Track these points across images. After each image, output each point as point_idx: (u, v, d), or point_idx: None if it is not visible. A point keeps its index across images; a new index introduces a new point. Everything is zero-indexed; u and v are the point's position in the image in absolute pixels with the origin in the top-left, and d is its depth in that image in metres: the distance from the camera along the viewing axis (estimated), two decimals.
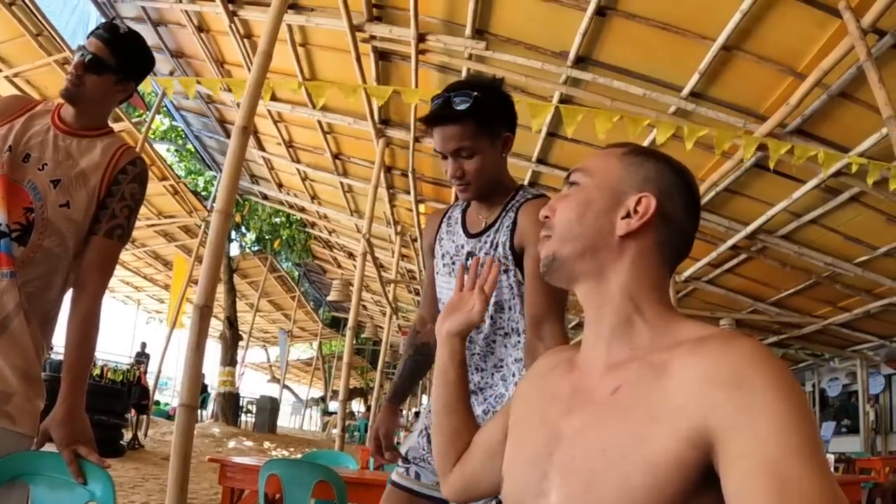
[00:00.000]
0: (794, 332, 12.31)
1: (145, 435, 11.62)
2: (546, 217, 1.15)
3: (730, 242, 8.64)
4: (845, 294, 9.79)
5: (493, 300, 1.96)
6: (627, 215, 1.07)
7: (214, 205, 3.62)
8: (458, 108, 1.88)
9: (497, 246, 1.99)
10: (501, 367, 2.00)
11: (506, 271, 1.97)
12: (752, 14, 4.94)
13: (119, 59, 2.05)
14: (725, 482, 0.81)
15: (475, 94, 1.89)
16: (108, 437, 9.12)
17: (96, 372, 10.09)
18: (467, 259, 2.02)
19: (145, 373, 13.24)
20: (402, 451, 2.16)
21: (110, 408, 9.32)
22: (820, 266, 8.84)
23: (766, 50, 5.34)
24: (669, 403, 0.89)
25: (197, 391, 3.14)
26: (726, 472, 0.81)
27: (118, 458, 8.98)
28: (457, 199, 2.20)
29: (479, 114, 1.90)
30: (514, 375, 1.96)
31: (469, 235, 2.08)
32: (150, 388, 12.52)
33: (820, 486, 0.75)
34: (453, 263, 2.09)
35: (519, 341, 1.97)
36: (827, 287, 9.60)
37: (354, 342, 8.33)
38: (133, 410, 10.96)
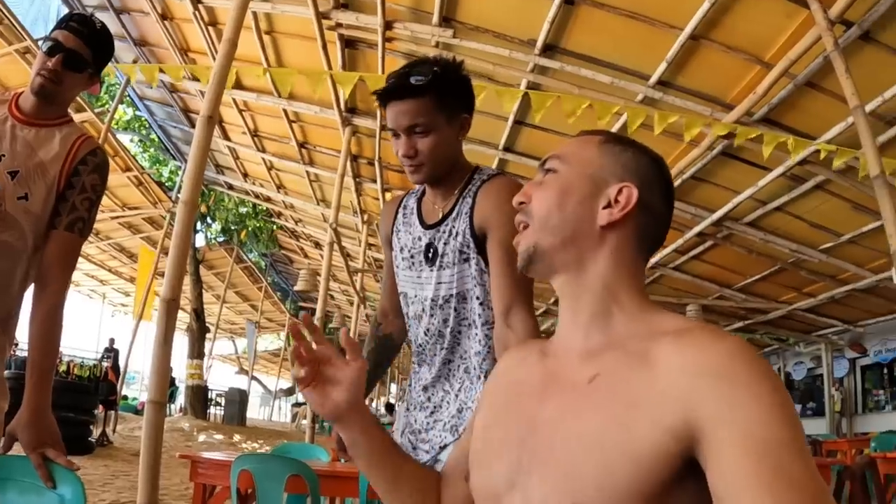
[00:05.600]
0: (759, 318, 12.51)
1: (114, 431, 11.42)
2: (521, 203, 1.11)
3: (696, 229, 8.72)
4: (810, 280, 9.95)
5: (455, 290, 1.91)
6: (608, 205, 1.04)
7: (179, 196, 3.54)
8: (416, 81, 1.79)
9: (457, 234, 1.90)
10: (465, 359, 1.94)
11: (466, 260, 1.90)
12: (720, 4, 4.97)
13: (95, 55, 2.00)
14: (712, 472, 0.80)
15: (434, 69, 1.82)
16: (76, 434, 8.92)
17: (62, 368, 9.90)
18: (427, 251, 1.96)
19: (113, 368, 13.03)
20: None
21: (77, 405, 9.10)
22: (785, 252, 8.96)
23: (733, 39, 5.37)
24: (652, 392, 0.87)
25: (165, 387, 3.07)
26: (713, 463, 0.80)
27: (87, 456, 8.82)
28: (409, 191, 2.14)
29: (437, 89, 1.81)
30: (475, 368, 1.91)
31: (426, 226, 1.99)
32: (118, 384, 12.33)
33: (809, 473, 0.76)
34: (412, 257, 2.01)
35: (477, 333, 1.91)
36: (792, 273, 9.75)
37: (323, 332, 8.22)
38: (101, 407, 10.77)
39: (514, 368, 1.15)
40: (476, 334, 1.91)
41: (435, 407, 1.97)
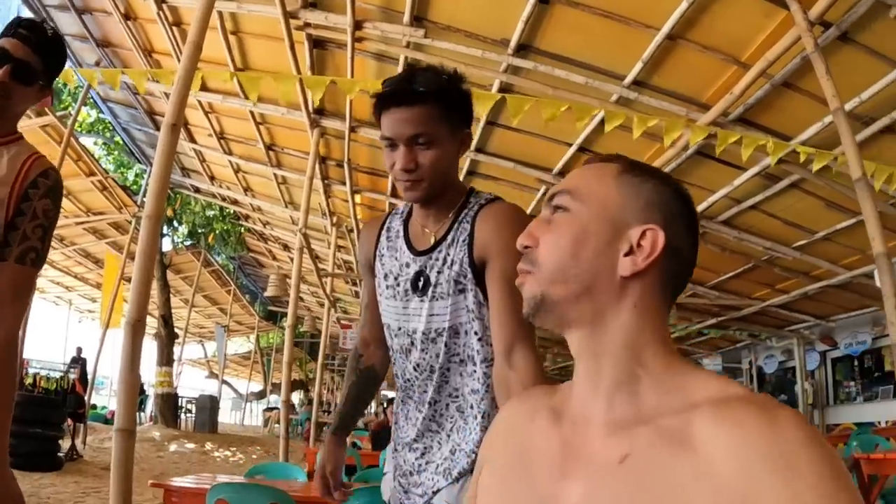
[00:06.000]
0: (733, 315, 12.58)
1: (83, 444, 11.15)
2: (526, 247, 0.98)
3: None
4: (783, 277, 9.99)
5: (447, 324, 1.75)
6: (630, 251, 0.91)
7: (143, 210, 3.36)
8: (422, 88, 1.65)
9: (453, 263, 1.74)
10: (457, 397, 1.79)
11: (462, 291, 1.74)
12: (698, 3, 4.89)
13: (46, 65, 1.82)
14: None
15: (442, 76, 1.69)
16: (45, 450, 8.70)
17: (28, 381, 9.61)
18: (417, 279, 1.79)
19: (81, 380, 12.72)
20: (385, 498, 1.95)
21: (45, 419, 8.82)
22: (759, 250, 8.97)
23: (710, 39, 5.29)
24: (698, 482, 0.76)
25: (134, 413, 2.88)
26: None
27: (56, 473, 8.56)
28: (391, 207, 1.99)
29: (443, 99, 1.67)
30: (472, 408, 1.76)
31: (416, 252, 1.81)
32: (86, 396, 12.06)
33: None
34: (398, 285, 1.83)
35: (475, 370, 1.75)
36: (766, 270, 9.78)
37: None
38: (69, 420, 10.46)
39: (522, 428, 1.01)
40: (473, 371, 1.76)
41: (426, 448, 1.82)
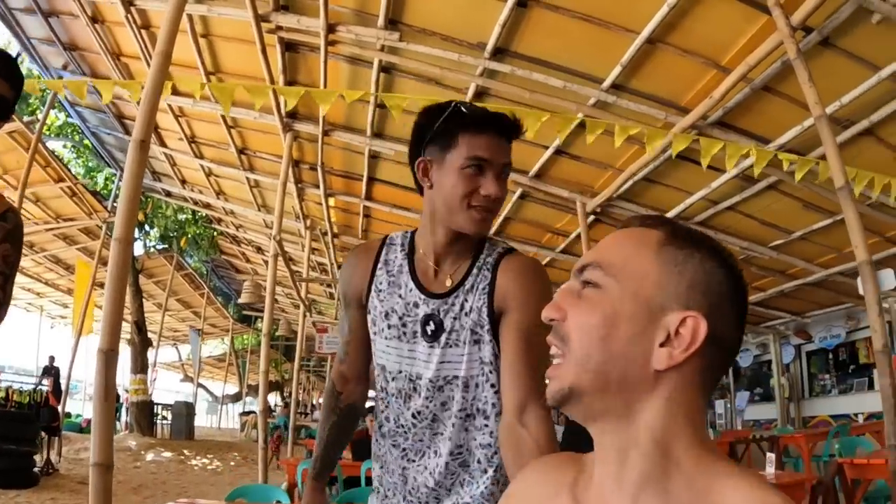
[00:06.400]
0: None
1: (59, 456, 10.90)
2: (552, 320, 0.88)
3: None
4: (759, 275, 10.01)
5: (460, 374, 1.64)
6: (667, 340, 0.81)
7: (114, 216, 3.22)
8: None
9: (471, 311, 1.63)
10: (461, 453, 1.67)
11: (477, 342, 1.62)
12: (679, 8, 4.82)
13: (17, 92, 1.70)
14: None
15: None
16: (20, 466, 8.48)
17: (1, 395, 9.39)
18: (426, 323, 1.66)
19: (54, 392, 12.47)
20: None
21: (19, 435, 8.63)
22: (736, 250, 8.95)
23: (690, 43, 5.24)
24: None
25: (110, 445, 2.74)
26: None
27: (33, 489, 8.35)
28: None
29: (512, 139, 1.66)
30: (479, 462, 1.65)
31: (429, 294, 1.67)
32: (60, 406, 11.84)
33: None
34: (404, 325, 1.68)
35: (486, 424, 1.64)
36: (742, 269, 9.77)
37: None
38: (43, 434, 10.22)
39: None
40: (485, 425, 1.65)
41: (422, 501, 1.70)
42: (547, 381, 0.88)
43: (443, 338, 1.65)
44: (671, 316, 0.81)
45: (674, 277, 0.83)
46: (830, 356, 14.10)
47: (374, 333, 1.75)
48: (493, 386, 1.63)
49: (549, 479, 0.96)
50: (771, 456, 5.13)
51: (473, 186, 1.59)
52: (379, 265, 1.75)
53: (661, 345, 0.81)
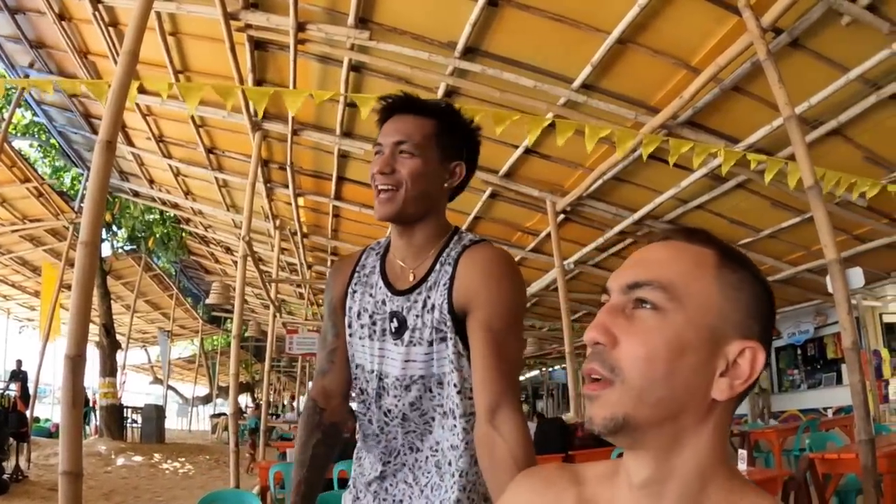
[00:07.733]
0: None
1: (28, 461, 10.70)
2: (597, 344, 0.79)
3: (617, 228, 8.68)
4: None
5: (428, 371, 1.59)
6: (726, 370, 0.77)
7: (80, 217, 3.13)
8: (420, 103, 1.64)
9: (433, 308, 1.58)
10: (437, 451, 1.63)
11: (443, 339, 1.57)
12: (649, 8, 4.82)
13: None
14: None
15: (445, 104, 1.68)
16: None
17: None
18: (391, 320, 1.63)
19: (22, 397, 12.22)
20: None
21: None
22: None
23: (661, 43, 5.25)
24: None
25: (79, 453, 2.67)
26: None
27: (3, 496, 8.19)
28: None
29: (442, 119, 1.64)
30: (450, 464, 1.59)
31: (394, 291, 1.65)
32: (28, 411, 11.65)
33: None
34: (374, 324, 1.65)
35: (455, 426, 1.59)
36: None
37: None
38: (12, 440, 9.99)
39: None
40: (453, 426, 1.59)
41: (395, 501, 1.66)
42: (589, 398, 0.80)
43: (406, 335, 1.61)
44: (732, 346, 0.77)
45: (733, 304, 0.79)
46: (799, 352, 14.34)
47: (350, 335, 1.72)
48: (455, 385, 1.58)
49: (553, 491, 0.91)
50: (743, 452, 5.14)
51: (372, 171, 1.63)
52: (357, 269, 1.75)
53: (721, 375, 0.77)
